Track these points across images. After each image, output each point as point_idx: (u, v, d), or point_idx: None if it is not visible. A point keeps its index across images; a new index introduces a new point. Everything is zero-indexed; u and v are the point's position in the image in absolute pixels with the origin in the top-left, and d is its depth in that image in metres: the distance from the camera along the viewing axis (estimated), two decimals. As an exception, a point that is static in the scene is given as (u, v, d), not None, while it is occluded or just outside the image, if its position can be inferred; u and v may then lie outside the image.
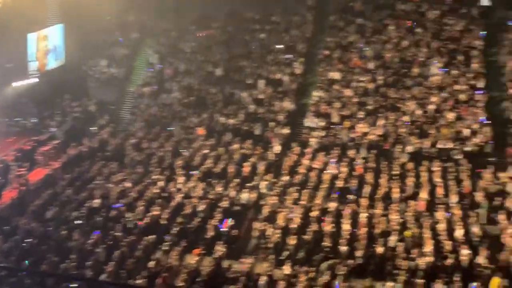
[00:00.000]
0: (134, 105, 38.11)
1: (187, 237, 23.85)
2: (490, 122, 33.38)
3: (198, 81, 38.64)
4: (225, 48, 40.51)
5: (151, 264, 21.58)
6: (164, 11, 43.06)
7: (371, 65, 37.99)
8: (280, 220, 25.08)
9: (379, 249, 23.09)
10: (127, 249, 22.72)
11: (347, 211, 25.94)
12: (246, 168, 30.22)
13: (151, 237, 23.44)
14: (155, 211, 25.46)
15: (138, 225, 24.67)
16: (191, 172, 29.82)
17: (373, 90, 36.33)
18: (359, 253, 22.89)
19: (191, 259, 22.40)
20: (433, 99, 35.21)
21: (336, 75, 37.52)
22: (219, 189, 28.01)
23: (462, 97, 35.24)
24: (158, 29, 42.62)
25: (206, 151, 32.15)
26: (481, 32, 39.56)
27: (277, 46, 40.25)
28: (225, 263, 22.52)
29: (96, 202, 26.30)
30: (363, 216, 25.40)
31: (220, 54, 40.11)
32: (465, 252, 22.75)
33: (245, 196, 27.54)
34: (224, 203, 26.44)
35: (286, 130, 34.30)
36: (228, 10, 43.12)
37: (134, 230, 24.42)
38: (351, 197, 27.36)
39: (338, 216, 25.61)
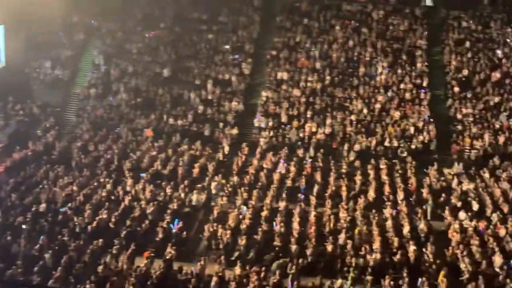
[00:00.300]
0: (80, 107, 37.45)
1: (136, 240, 23.54)
2: (434, 120, 34.14)
3: (145, 82, 38.24)
4: (172, 49, 40.23)
5: (100, 268, 21.24)
6: (110, 12, 42.48)
7: (318, 65, 38.34)
8: (231, 221, 25.04)
9: (329, 247, 23.30)
10: (75, 254, 22.30)
11: (296, 210, 26.09)
12: (196, 170, 30.09)
13: (100, 241, 23.06)
14: (103, 214, 25.06)
15: (88, 229, 24.25)
16: (139, 175, 29.50)
17: (320, 89, 36.66)
18: (309, 252, 23.04)
19: (141, 262, 22.15)
20: (379, 98, 35.78)
21: (284, 75, 37.74)
22: (168, 191, 27.78)
23: (407, 95, 35.92)
24: (104, 30, 42.00)
25: (154, 152, 31.85)
26: (424, 32, 40.42)
27: (225, 47, 40.21)
28: (176, 265, 22.34)
29: (42, 206, 25.72)
30: (312, 215, 25.60)
31: (168, 54, 39.81)
32: (412, 248, 23.17)
33: (195, 197, 27.40)
34: (174, 205, 26.24)
35: (235, 131, 34.32)
36: (175, 11, 42.86)
37: (81, 235, 23.97)
38: (300, 196, 27.56)
39: (288, 216, 25.74)
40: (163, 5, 42.95)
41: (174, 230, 24.42)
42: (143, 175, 29.40)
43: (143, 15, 42.60)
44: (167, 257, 22.45)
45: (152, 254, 22.53)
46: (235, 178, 29.29)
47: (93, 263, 21.84)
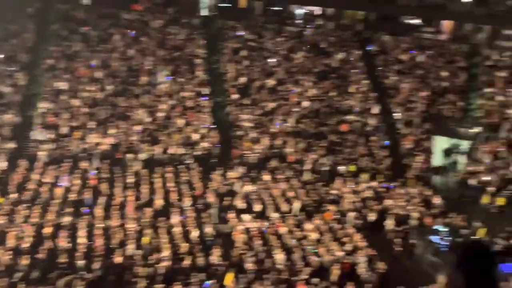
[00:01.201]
0: None
1: None
2: (216, 126, 35.21)
3: None
4: None
5: None
6: None
7: (98, 74, 37.57)
8: (10, 240, 23.56)
9: (117, 259, 22.95)
10: None
11: (82, 224, 25.32)
12: (-32, 189, 27.87)
13: None
14: None
15: None
16: None
17: (102, 99, 35.96)
18: (96, 266, 22.49)
19: None
20: (162, 106, 36.02)
21: (62, 85, 36.37)
22: None
23: (189, 103, 36.62)
24: None
25: None
26: (202, 41, 41.53)
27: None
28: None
29: None
30: (99, 228, 25.02)
31: None
32: (200, 252, 23.68)
33: (-32, 218, 25.37)
34: None
35: (11, 145, 32.30)
36: None
37: None
38: (86, 209, 26.79)
39: (73, 230, 24.89)
40: None
41: None
42: None
43: None
44: None
45: None
46: (14, 195, 27.61)
47: None
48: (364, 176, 32.71)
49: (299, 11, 47.15)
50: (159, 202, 27.95)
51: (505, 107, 38.23)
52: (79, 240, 24.06)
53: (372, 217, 28.82)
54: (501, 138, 35.81)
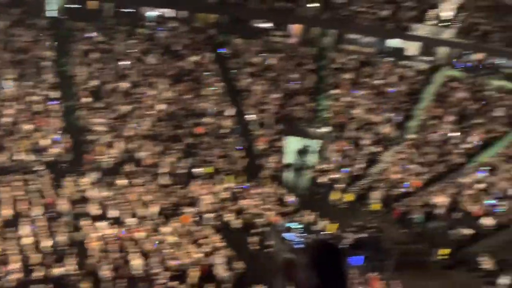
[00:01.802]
0: None
1: None
2: (67, 131, 34.03)
3: None
4: None
5: None
6: None
7: None
8: None
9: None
10: None
11: None
12: None
13: None
14: None
15: None
16: None
17: None
18: None
19: None
20: (8, 111, 34.23)
21: None
22: None
23: (38, 108, 35.08)
24: None
25: None
26: (51, 43, 39.92)
27: None
28: None
29: None
30: None
31: None
32: (52, 263, 22.84)
33: None
34: None
35: None
36: None
37: None
38: None
39: None
40: None
41: None
42: None
43: None
44: None
45: None
46: None
47: None
48: (227, 178, 33.01)
49: (151, 13, 46.70)
50: (6, 212, 26.53)
51: (350, 108, 40.27)
52: None
53: (229, 217, 29.20)
54: (348, 137, 37.73)
